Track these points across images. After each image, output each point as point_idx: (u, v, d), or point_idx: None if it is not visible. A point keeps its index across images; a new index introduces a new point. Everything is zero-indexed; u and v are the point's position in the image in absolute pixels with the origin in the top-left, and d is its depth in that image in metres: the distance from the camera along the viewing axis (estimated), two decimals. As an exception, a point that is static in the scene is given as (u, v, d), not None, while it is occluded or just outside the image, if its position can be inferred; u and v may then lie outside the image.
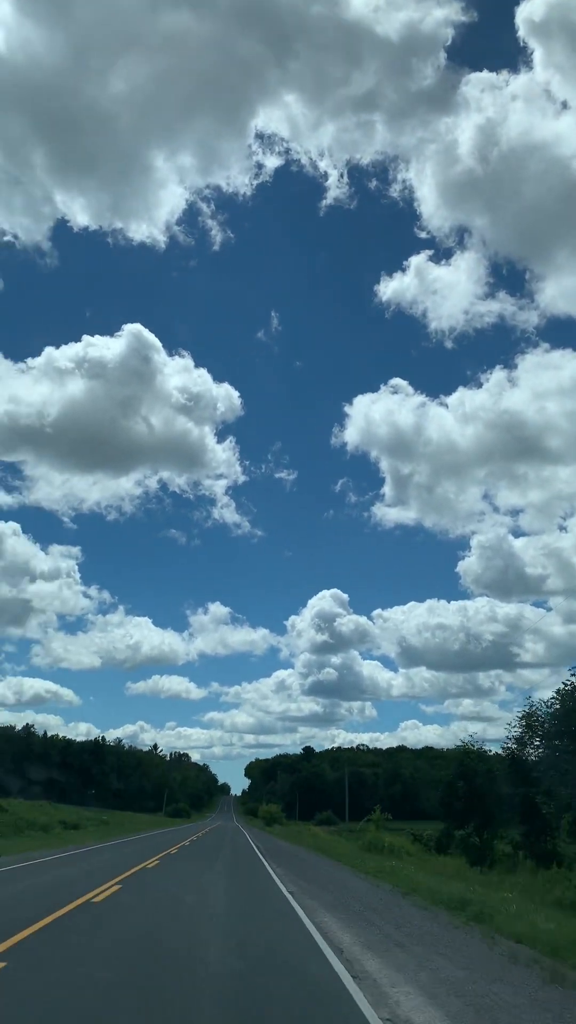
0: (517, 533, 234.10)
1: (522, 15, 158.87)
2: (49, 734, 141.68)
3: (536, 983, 7.65)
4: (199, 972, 7.36)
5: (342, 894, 15.52)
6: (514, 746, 31.50)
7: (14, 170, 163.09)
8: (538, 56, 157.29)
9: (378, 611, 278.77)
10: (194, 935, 9.54)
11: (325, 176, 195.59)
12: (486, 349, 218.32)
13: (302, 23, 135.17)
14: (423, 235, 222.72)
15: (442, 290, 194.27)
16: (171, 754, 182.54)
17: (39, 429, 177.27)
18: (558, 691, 27.88)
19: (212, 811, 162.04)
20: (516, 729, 31.19)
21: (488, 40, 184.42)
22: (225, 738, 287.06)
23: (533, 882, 22.04)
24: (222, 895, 14.10)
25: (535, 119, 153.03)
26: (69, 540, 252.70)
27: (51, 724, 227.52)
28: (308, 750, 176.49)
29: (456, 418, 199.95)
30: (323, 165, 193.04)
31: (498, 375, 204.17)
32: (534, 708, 30.45)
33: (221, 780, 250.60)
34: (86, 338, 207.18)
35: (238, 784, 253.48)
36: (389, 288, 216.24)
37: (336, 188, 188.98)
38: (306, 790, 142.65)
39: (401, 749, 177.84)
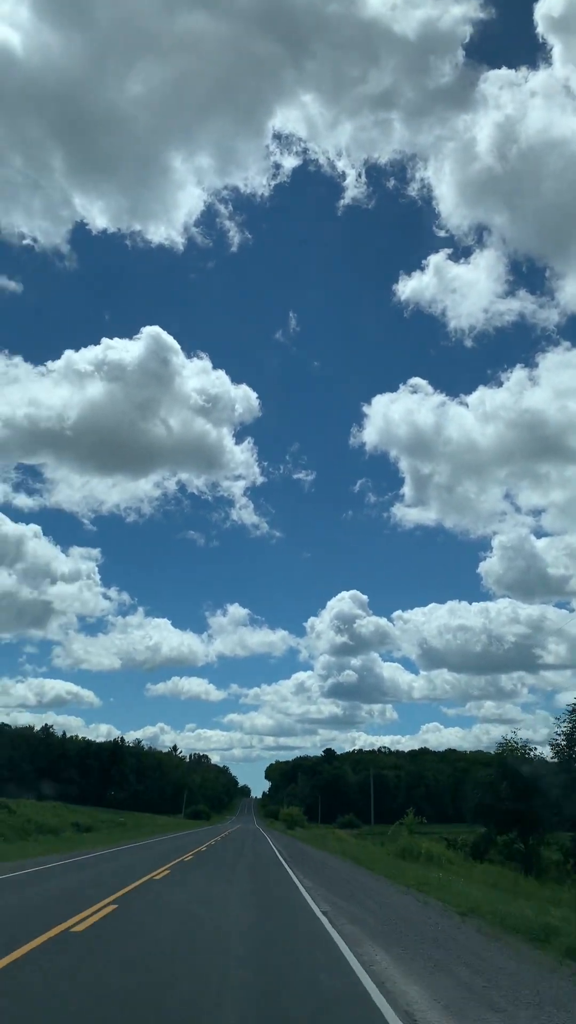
0: (539, 533, 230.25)
1: (540, 11, 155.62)
2: (68, 735, 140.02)
3: None
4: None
5: (387, 916, 12.72)
6: (564, 742, 28.50)
7: (33, 173, 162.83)
8: (557, 52, 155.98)
9: (398, 613, 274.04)
10: (200, 987, 6.81)
11: (343, 176, 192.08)
12: (506, 348, 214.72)
13: (319, 22, 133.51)
14: (442, 234, 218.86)
15: (461, 289, 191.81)
16: (191, 756, 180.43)
17: (59, 432, 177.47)
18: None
19: (232, 813, 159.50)
20: (565, 724, 28.23)
21: (506, 37, 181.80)
22: (245, 740, 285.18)
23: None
24: (240, 920, 11.35)
25: (554, 116, 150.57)
26: (89, 542, 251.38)
27: (72, 726, 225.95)
28: (329, 752, 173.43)
29: (476, 417, 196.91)
30: (341, 165, 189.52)
31: (519, 374, 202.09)
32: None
33: (241, 782, 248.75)
34: (105, 341, 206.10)
35: (258, 786, 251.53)
36: (408, 287, 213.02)
37: (354, 187, 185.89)
38: (328, 793, 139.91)
39: (424, 751, 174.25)
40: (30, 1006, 5.93)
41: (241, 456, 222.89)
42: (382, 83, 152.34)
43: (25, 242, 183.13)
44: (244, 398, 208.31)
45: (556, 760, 29.28)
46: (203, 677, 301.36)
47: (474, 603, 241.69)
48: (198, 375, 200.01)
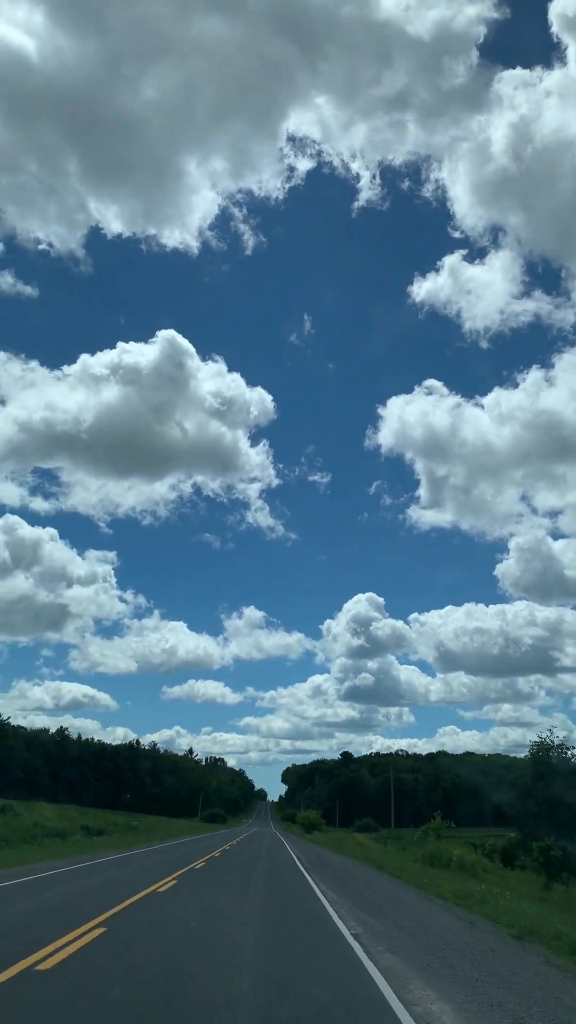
0: (556, 535, 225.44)
1: (555, 10, 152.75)
2: (84, 738, 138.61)
3: None
4: None
5: (430, 941, 10.65)
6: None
7: (48, 178, 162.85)
8: (572, 52, 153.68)
9: (414, 615, 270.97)
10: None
11: (357, 177, 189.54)
12: (522, 349, 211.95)
13: (332, 24, 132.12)
14: (457, 235, 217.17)
15: (476, 290, 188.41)
16: (207, 759, 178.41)
17: (75, 435, 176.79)
18: None
19: (248, 817, 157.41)
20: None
21: (521, 36, 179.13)
22: (261, 743, 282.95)
23: None
24: (255, 947, 9.33)
25: (569, 115, 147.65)
26: (105, 545, 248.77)
27: (88, 728, 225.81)
28: (346, 755, 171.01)
29: (492, 419, 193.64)
30: (355, 166, 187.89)
31: (535, 375, 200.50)
32: None
33: (258, 785, 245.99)
34: (120, 344, 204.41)
35: (275, 790, 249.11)
36: (423, 289, 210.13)
37: (368, 189, 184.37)
38: (345, 796, 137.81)
39: (441, 754, 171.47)
40: None
41: (256, 458, 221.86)
42: (396, 84, 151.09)
43: (41, 247, 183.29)
44: (259, 400, 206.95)
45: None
46: (219, 680, 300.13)
47: (491, 605, 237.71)
48: (213, 378, 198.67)
